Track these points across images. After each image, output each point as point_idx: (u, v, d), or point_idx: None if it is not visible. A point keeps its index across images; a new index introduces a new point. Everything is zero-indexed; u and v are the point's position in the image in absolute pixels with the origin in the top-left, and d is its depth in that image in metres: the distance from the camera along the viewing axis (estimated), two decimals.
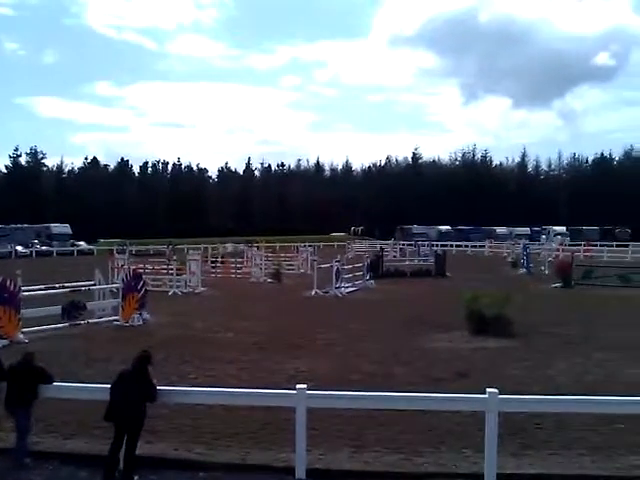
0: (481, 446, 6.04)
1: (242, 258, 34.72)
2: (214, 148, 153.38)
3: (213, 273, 30.30)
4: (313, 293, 22.55)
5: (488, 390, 5.99)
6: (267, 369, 10.62)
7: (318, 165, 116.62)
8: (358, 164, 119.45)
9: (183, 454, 6.71)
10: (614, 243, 57.68)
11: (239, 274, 30.40)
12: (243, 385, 9.07)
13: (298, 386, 6.21)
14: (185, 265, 24.76)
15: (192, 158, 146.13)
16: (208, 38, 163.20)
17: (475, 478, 5.98)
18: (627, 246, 51.58)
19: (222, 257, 38.17)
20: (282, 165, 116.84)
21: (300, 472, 5.97)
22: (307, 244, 44.23)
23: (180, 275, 24.15)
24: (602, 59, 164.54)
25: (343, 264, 24.58)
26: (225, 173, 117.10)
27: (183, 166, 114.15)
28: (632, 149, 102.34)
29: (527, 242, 40.90)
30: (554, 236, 64.49)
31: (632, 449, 6.84)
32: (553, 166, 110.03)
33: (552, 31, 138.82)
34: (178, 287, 23.37)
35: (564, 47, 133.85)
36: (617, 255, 45.99)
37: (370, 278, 26.54)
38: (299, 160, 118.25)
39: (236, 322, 15.91)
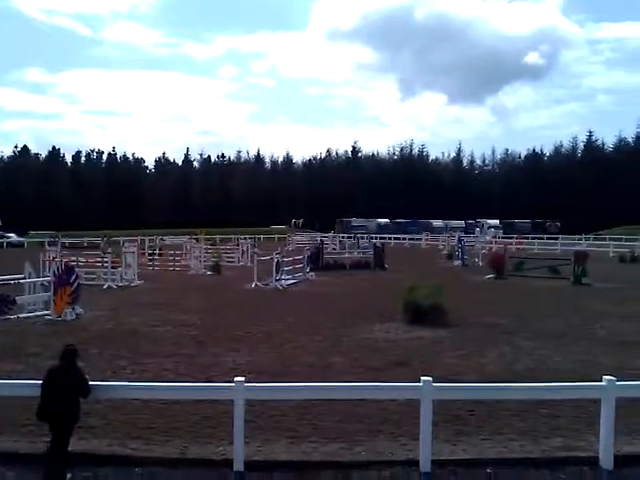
0: (417, 433, 6.19)
1: (181, 250, 34.19)
2: (151, 138, 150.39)
3: (150, 266, 29.71)
4: (253, 286, 22.46)
5: (423, 379, 6.15)
6: (205, 363, 10.52)
7: (259, 157, 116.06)
8: (299, 157, 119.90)
9: (118, 450, 6.58)
10: (545, 236, 60.11)
11: (177, 267, 29.93)
12: (181, 379, 8.99)
13: (236, 379, 6.18)
14: (121, 258, 24.15)
15: (128, 148, 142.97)
16: (144, 25, 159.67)
17: (411, 465, 6.13)
18: (557, 239, 53.81)
19: (160, 249, 37.47)
20: (222, 156, 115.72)
21: (238, 464, 5.96)
22: (247, 236, 43.94)
23: (115, 268, 23.53)
24: (532, 58, 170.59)
25: (283, 256, 24.57)
26: (163, 163, 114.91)
27: (119, 156, 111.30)
28: (561, 145, 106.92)
29: (462, 235, 41.97)
30: (488, 229, 66.57)
31: (554, 432, 7.19)
32: (487, 161, 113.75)
33: (485, 30, 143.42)
34: (113, 280, 22.78)
35: (497, 46, 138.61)
36: (547, 247, 47.96)
37: (310, 270, 26.65)
38: (239, 151, 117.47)
39: (173, 315, 15.67)
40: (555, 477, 5.97)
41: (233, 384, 6.11)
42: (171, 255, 32.03)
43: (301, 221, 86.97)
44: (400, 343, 12.41)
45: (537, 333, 13.44)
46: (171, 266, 30.00)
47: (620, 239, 50.63)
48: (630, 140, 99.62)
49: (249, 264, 28.35)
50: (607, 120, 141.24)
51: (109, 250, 25.98)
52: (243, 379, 6.19)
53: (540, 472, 6.08)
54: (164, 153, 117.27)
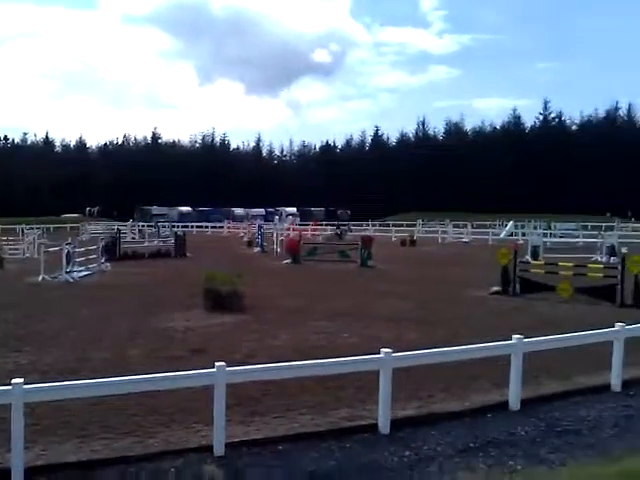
0: (212, 419, 6.26)
1: None
2: None
3: None
4: (40, 279, 20.70)
5: (216, 364, 6.24)
6: None
7: (48, 140, 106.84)
8: (93, 141, 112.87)
9: None
10: (337, 223, 63.97)
11: None
12: None
13: (13, 381, 5.71)
14: None
15: None
16: None
17: (205, 450, 6.19)
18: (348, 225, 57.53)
19: None
20: (5, 139, 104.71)
21: (17, 472, 5.51)
22: (34, 226, 40.30)
23: None
24: (322, 56, 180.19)
25: (75, 247, 23.02)
26: None
27: None
28: (352, 139, 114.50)
29: (262, 222, 42.95)
30: (286, 217, 68.83)
31: (341, 403, 7.73)
32: (285, 152, 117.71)
33: (278, 24, 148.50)
34: None
35: (289, 41, 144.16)
36: None
37: (106, 261, 25.34)
38: (25, 134, 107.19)
39: None
40: (341, 447, 6.43)
41: (9, 387, 5.63)
42: None
43: (97, 209, 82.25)
44: (199, 331, 12.39)
45: (327, 313, 14.31)
46: None
47: (401, 225, 55.70)
48: (411, 135, 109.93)
49: (36, 256, 26.11)
50: (391, 117, 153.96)
51: None
52: (22, 380, 5.73)
53: (327, 443, 6.50)
54: None
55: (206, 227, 59.95)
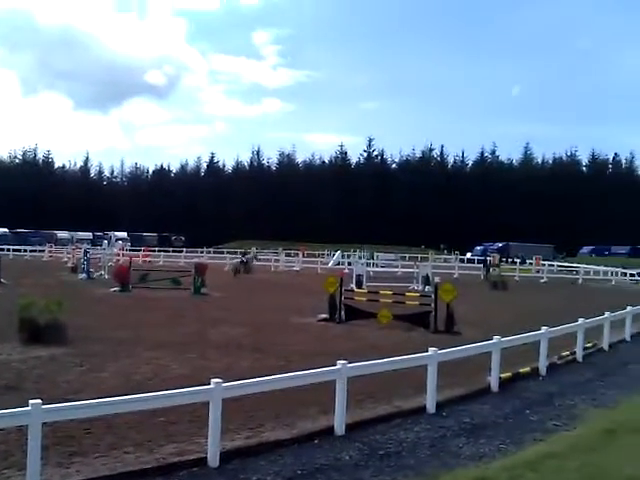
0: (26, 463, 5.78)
1: None
2: None
3: None
4: None
5: (31, 402, 5.78)
6: None
7: None
8: None
9: None
10: (170, 249, 62.58)
11: None
12: None
13: None
14: None
15: None
16: None
17: None
18: (182, 252, 56.63)
19: None
20: None
21: None
22: None
23: None
24: (156, 78, 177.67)
25: None
26: None
27: None
28: (187, 164, 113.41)
29: (88, 247, 40.64)
30: (116, 241, 65.86)
31: (170, 439, 7.51)
32: (116, 173, 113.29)
33: (111, 43, 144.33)
34: None
35: (122, 60, 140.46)
36: (173, 260, 50.02)
37: None
38: None
39: None
40: None
41: None
42: None
43: None
44: (13, 365, 11.34)
45: (157, 343, 13.84)
46: None
47: (236, 252, 55.91)
48: (246, 164, 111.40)
49: None
50: (226, 144, 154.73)
51: None
52: None
53: None
54: None
55: (25, 251, 55.33)
